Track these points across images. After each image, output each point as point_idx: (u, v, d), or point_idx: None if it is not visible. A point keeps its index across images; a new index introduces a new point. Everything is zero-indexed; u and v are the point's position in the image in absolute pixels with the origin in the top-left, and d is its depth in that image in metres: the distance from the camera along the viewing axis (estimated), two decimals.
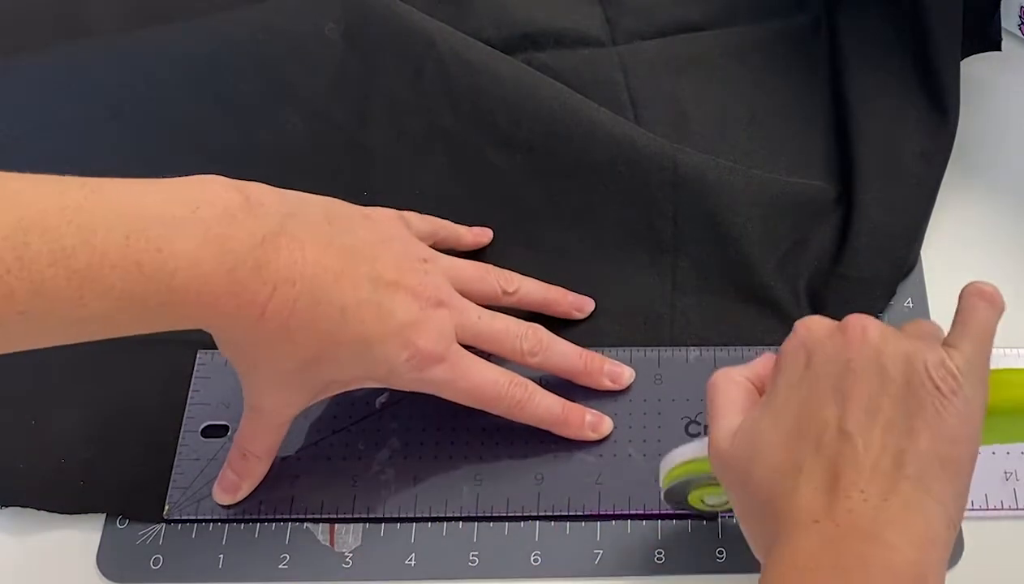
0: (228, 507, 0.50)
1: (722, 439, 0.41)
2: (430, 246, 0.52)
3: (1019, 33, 0.64)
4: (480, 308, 0.50)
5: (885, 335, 0.39)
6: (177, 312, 0.41)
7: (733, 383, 0.43)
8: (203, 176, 0.43)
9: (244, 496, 0.50)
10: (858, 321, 0.40)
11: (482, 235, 0.57)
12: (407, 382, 0.48)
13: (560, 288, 0.55)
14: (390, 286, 0.47)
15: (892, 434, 0.37)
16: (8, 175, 0.39)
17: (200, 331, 0.44)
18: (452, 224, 0.56)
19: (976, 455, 0.38)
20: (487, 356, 0.50)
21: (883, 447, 0.37)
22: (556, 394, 0.51)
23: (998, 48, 0.60)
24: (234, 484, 0.50)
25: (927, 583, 0.35)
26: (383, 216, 0.50)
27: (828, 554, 0.36)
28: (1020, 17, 0.63)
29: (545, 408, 0.50)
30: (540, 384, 0.51)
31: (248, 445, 0.49)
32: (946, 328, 0.40)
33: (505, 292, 0.53)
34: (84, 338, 0.41)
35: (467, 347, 0.50)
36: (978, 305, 0.40)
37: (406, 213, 0.53)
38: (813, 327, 0.41)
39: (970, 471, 0.38)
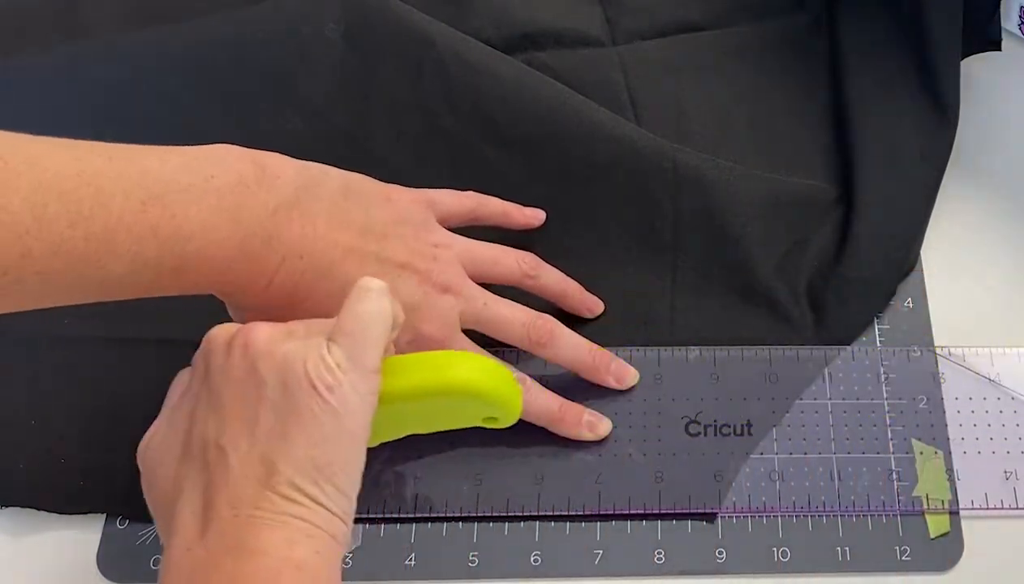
0: None
1: (143, 441, 0.41)
2: (467, 224, 0.52)
3: (1019, 33, 0.64)
4: (489, 295, 0.50)
5: (271, 340, 0.39)
6: (189, 277, 0.42)
7: (179, 383, 0.43)
8: (220, 145, 0.44)
9: None
10: (245, 330, 0.40)
11: (534, 217, 0.55)
12: None
13: (577, 284, 0.54)
14: (397, 267, 0.47)
15: (266, 443, 0.37)
16: (27, 138, 0.39)
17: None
18: (500, 202, 0.54)
19: (362, 449, 0.38)
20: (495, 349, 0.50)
21: (257, 459, 0.37)
22: (556, 389, 0.51)
23: (998, 48, 0.60)
24: None
25: (307, 571, 0.36)
26: (405, 198, 0.50)
27: (198, 581, 0.36)
28: (1020, 17, 0.63)
29: (542, 404, 0.50)
30: (541, 382, 0.51)
31: None
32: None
33: (527, 275, 0.52)
34: (99, 299, 0.41)
35: (478, 337, 0.49)
36: (358, 296, 0.39)
37: (438, 192, 0.52)
38: (214, 338, 0.41)
39: (354, 467, 0.38)
